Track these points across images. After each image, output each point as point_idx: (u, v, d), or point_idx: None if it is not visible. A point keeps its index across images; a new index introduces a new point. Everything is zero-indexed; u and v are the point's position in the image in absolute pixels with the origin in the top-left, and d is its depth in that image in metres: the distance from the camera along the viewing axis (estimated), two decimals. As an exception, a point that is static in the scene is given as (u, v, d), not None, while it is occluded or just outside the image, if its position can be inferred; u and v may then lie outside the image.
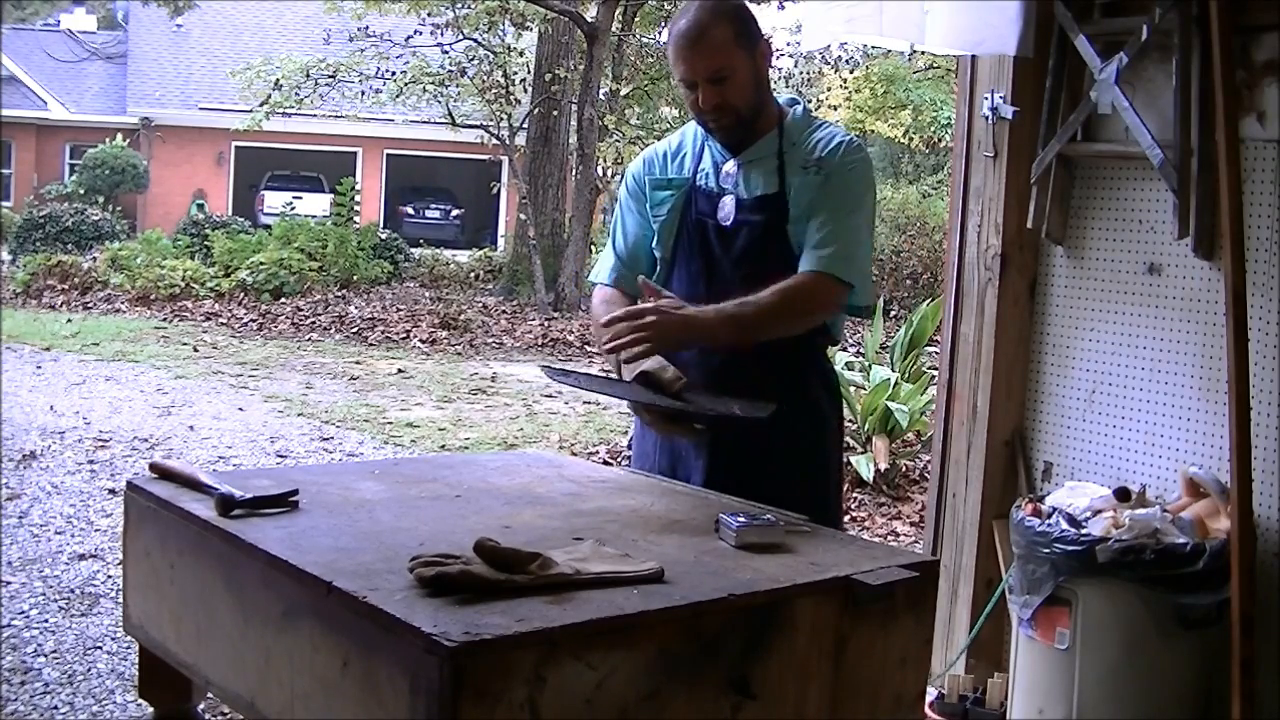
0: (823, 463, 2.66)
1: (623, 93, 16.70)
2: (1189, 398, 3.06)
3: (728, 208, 2.56)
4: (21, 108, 24.05)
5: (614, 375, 2.56)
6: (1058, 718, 2.90)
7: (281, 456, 6.87)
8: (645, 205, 2.69)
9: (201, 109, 24.64)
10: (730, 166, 2.59)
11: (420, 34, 15.95)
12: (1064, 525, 2.88)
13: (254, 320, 12.90)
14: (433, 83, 16.30)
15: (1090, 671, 2.84)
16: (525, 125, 16.42)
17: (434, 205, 26.88)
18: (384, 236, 17.63)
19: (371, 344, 12.00)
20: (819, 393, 2.64)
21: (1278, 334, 2.88)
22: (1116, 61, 3.03)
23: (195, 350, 10.90)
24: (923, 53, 13.47)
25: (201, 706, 2.44)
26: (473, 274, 17.56)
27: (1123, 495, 2.93)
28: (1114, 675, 2.83)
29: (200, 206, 20.64)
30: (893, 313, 14.14)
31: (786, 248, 2.52)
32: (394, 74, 16.08)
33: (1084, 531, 2.85)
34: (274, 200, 22.76)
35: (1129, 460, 3.18)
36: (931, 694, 3.21)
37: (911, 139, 21.77)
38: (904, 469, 6.49)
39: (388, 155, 26.21)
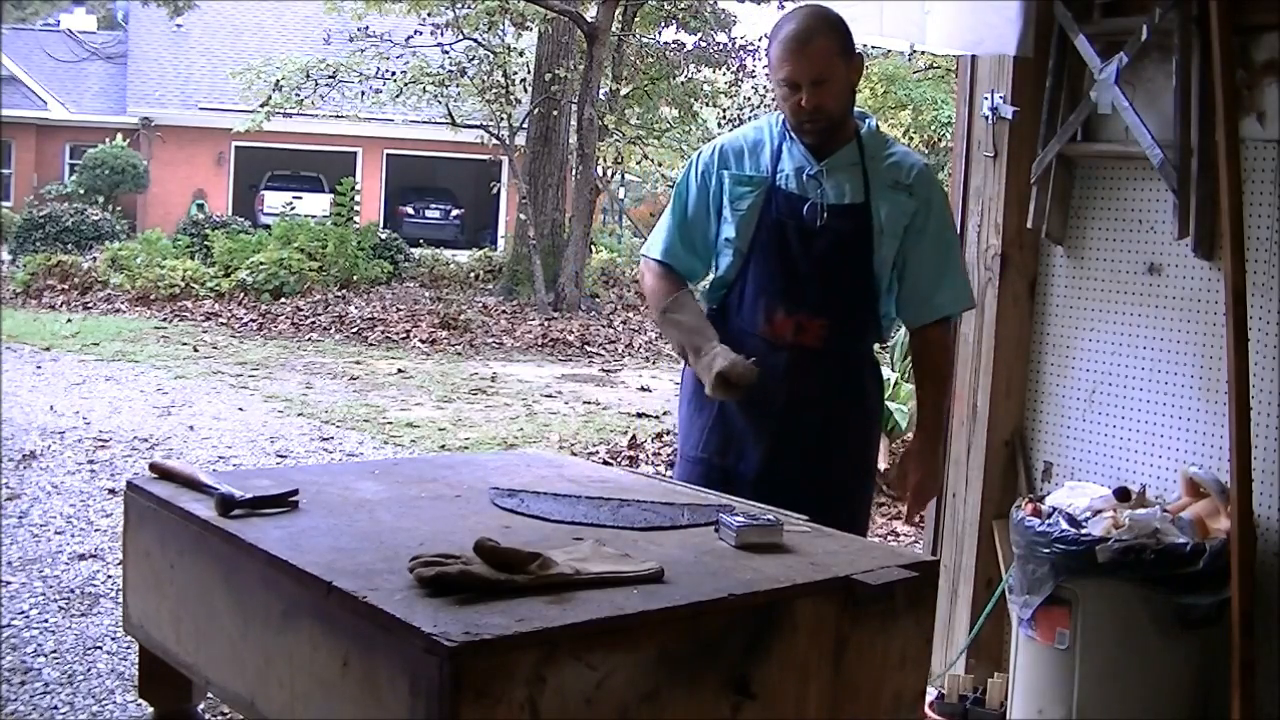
0: (868, 455, 2.85)
1: (623, 93, 16.70)
2: (1189, 398, 3.05)
3: (813, 211, 2.67)
4: (21, 108, 24.00)
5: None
6: (1058, 718, 2.90)
7: (281, 456, 6.86)
8: (713, 190, 2.78)
9: (201, 109, 24.60)
10: (812, 172, 2.70)
11: (420, 34, 15.93)
12: (1064, 525, 2.87)
13: (254, 320, 12.88)
14: (433, 83, 16.28)
15: (1090, 671, 2.84)
16: (525, 125, 16.40)
17: (434, 205, 26.83)
18: (384, 236, 17.58)
19: (371, 344, 12.00)
20: (871, 387, 2.84)
21: (1278, 334, 2.88)
22: (1116, 61, 3.03)
23: (195, 350, 10.89)
24: (923, 52, 13.46)
25: (201, 706, 2.44)
26: (473, 274, 17.52)
27: (1123, 495, 2.93)
28: (1114, 675, 2.83)
29: (200, 206, 20.59)
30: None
31: (866, 256, 2.70)
32: (394, 74, 16.05)
33: (1084, 531, 2.85)
34: (274, 200, 22.70)
35: (1129, 460, 3.18)
36: (931, 694, 3.21)
37: (911, 139, 21.72)
38: (904, 469, 6.47)
39: (388, 155, 26.18)
